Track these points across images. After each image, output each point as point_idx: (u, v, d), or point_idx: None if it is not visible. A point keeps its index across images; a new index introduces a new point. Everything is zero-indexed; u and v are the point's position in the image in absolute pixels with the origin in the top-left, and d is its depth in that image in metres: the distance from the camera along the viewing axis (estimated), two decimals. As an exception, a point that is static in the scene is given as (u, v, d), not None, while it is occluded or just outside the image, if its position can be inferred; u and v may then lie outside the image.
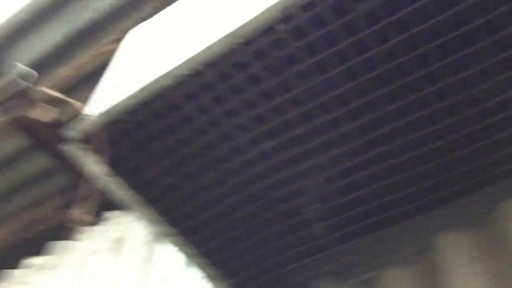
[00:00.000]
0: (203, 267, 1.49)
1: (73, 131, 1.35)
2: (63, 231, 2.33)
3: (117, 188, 1.40)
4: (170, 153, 1.37)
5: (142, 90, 1.28)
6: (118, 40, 2.03)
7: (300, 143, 1.34)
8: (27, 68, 2.44)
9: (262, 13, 1.17)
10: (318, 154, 1.35)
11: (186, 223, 1.45)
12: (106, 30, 2.50)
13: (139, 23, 1.74)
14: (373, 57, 1.19)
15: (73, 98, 2.44)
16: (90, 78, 2.45)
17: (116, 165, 1.37)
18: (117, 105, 1.32)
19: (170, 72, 1.25)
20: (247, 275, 1.52)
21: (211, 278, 1.51)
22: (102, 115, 1.31)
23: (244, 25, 1.19)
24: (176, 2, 1.63)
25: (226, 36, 1.20)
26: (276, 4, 1.15)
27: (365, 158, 1.33)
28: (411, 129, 1.28)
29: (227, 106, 1.30)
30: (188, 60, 1.24)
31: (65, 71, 2.56)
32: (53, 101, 2.49)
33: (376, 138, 1.31)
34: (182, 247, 1.47)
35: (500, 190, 1.37)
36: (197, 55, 1.23)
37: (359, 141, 1.32)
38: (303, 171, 1.37)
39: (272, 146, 1.35)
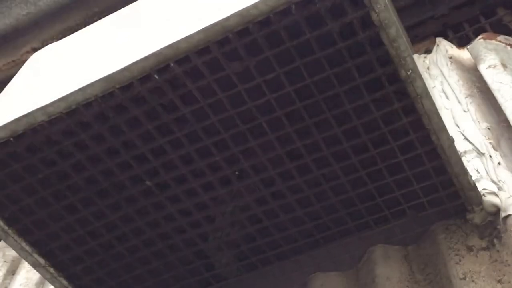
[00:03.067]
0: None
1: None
2: None
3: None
4: (46, 187, 1.34)
5: (15, 122, 1.25)
6: (35, 50, 1.98)
7: (180, 184, 1.36)
8: None
9: (140, 61, 1.16)
10: (198, 195, 1.37)
11: (60, 256, 1.43)
12: (24, 39, 2.42)
13: (60, 35, 1.70)
14: (245, 111, 1.22)
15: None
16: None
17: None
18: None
19: (43, 108, 1.22)
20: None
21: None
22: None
23: (122, 70, 1.18)
24: (92, 25, 1.61)
25: (102, 80, 1.19)
26: (154, 54, 1.15)
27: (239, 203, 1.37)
28: (294, 174, 1.33)
29: (106, 145, 1.29)
30: (63, 99, 1.21)
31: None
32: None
33: (265, 179, 1.35)
34: (53, 279, 1.45)
35: (372, 236, 1.44)
36: (72, 94, 1.21)
37: (237, 185, 1.35)
38: (180, 210, 1.39)
39: (154, 184, 1.36)
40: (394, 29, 1.12)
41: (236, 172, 1.36)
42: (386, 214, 1.40)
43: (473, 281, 1.27)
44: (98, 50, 1.38)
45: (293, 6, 1.08)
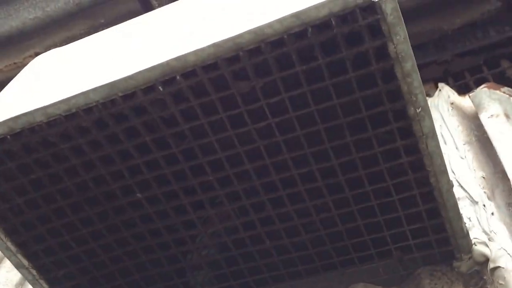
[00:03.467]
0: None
1: None
2: None
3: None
4: (37, 188, 1.33)
5: (14, 120, 1.24)
6: (38, 55, 1.99)
7: (170, 200, 1.35)
8: None
9: (146, 71, 1.16)
10: (186, 212, 1.36)
11: (42, 259, 1.41)
12: (28, 43, 2.44)
13: (64, 43, 1.70)
14: (245, 133, 1.22)
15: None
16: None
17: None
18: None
19: (43, 108, 1.22)
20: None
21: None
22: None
23: (127, 78, 1.18)
24: (98, 33, 1.62)
25: (105, 86, 1.19)
26: (161, 64, 1.15)
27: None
28: (286, 202, 1.32)
29: (102, 153, 1.28)
30: (64, 101, 1.21)
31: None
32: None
33: (255, 204, 1.34)
34: (35, 281, 1.43)
35: (355, 273, 1.42)
36: (73, 97, 1.21)
37: (227, 207, 1.34)
38: (167, 227, 1.38)
39: (145, 197, 1.35)
40: (410, 64, 1.11)
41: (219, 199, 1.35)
42: (372, 253, 1.39)
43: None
44: (103, 57, 1.38)
45: (310, 29, 1.07)
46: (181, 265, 1.44)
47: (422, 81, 2.17)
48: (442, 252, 1.39)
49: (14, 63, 2.43)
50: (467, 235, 1.35)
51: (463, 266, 1.38)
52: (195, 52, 1.13)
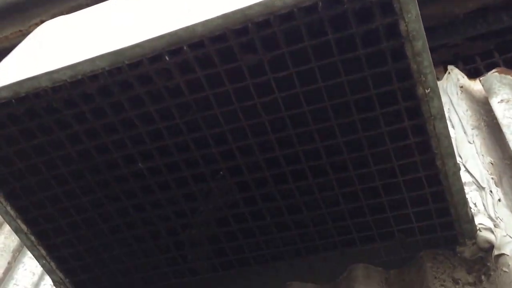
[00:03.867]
0: (51, 272, 1.46)
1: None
2: None
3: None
4: (39, 154, 1.32)
5: (19, 84, 1.23)
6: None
7: (172, 171, 1.33)
8: None
9: (153, 39, 1.15)
10: (188, 185, 1.35)
11: (42, 225, 1.41)
12: (35, 11, 2.42)
13: (72, 11, 1.68)
14: (250, 106, 1.20)
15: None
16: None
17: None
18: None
19: (48, 73, 1.20)
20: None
21: (59, 284, 1.48)
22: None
23: (134, 46, 1.16)
24: (105, 2, 1.59)
25: (112, 53, 1.17)
26: (169, 34, 1.13)
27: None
28: (288, 178, 1.30)
29: (105, 121, 1.27)
30: (70, 67, 1.20)
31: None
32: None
33: (246, 182, 1.32)
34: (33, 247, 1.43)
35: (355, 254, 1.41)
36: (80, 64, 1.19)
37: (229, 181, 1.33)
38: (167, 198, 1.37)
39: (146, 168, 1.34)
40: (421, 43, 1.08)
41: (221, 172, 1.34)
42: (374, 234, 1.38)
43: (455, 315, 1.24)
44: (110, 25, 1.36)
45: (320, 4, 1.05)
46: (180, 238, 1.43)
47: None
48: (446, 236, 1.37)
49: (20, 31, 2.42)
50: (472, 220, 1.34)
51: (467, 251, 1.36)
52: (204, 23, 1.11)
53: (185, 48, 1.14)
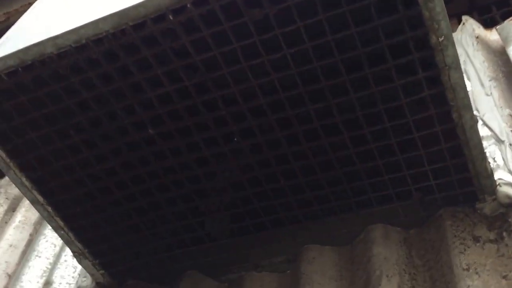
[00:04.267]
0: (70, 242, 1.47)
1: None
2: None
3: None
4: (50, 123, 1.32)
5: (24, 51, 1.22)
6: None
7: (183, 136, 1.32)
8: None
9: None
10: (200, 149, 1.33)
11: (58, 196, 1.41)
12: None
13: None
14: (258, 64, 1.17)
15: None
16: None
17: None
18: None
19: (52, 39, 1.19)
20: (117, 257, 1.51)
21: (78, 254, 1.49)
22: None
23: (136, 6, 1.14)
24: None
25: (115, 15, 1.15)
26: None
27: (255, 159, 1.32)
28: (301, 139, 1.28)
29: (113, 86, 1.26)
30: (73, 31, 1.18)
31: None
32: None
33: (258, 144, 1.30)
34: (50, 218, 1.43)
35: (372, 214, 1.39)
36: (82, 27, 1.17)
37: (241, 143, 1.31)
38: (180, 164, 1.35)
39: (157, 133, 1.33)
40: (432, -13, 1.04)
41: (235, 139, 1.32)
42: (391, 193, 1.34)
43: (476, 273, 1.21)
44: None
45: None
46: (195, 205, 1.42)
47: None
48: (465, 193, 1.33)
49: (29, 3, 2.41)
50: (491, 175, 1.30)
51: (487, 208, 1.32)
52: (206, -22, 1.08)
53: (189, 5, 1.12)
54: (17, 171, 1.39)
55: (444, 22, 1.08)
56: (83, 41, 1.18)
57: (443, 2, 1.06)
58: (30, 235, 1.92)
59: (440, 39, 1.10)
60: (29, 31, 1.31)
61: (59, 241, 1.80)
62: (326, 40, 1.13)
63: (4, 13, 2.43)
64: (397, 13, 1.08)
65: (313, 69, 1.18)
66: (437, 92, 1.18)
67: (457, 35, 1.75)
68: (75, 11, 1.29)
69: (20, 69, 1.24)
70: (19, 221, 1.94)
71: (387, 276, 1.27)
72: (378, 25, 1.10)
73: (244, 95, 1.24)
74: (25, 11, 2.42)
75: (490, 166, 1.29)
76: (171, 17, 1.13)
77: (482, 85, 1.53)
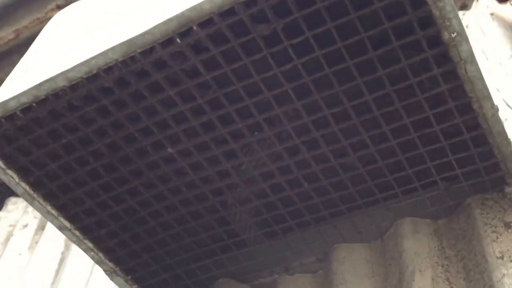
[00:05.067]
0: (101, 262, 1.49)
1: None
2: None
3: (11, 181, 1.36)
4: (69, 152, 1.33)
5: (37, 87, 1.22)
6: (59, 8, 1.94)
7: (204, 151, 1.32)
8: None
9: (162, 24, 1.11)
10: (220, 162, 1.33)
11: (84, 220, 1.43)
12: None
13: None
14: (271, 77, 1.16)
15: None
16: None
17: (10, 159, 1.32)
18: (12, 99, 1.25)
19: (64, 73, 1.19)
20: (148, 272, 1.53)
21: (110, 272, 1.52)
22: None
23: (143, 34, 1.13)
24: None
25: (123, 44, 1.14)
26: (177, 16, 1.09)
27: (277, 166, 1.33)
28: (321, 143, 1.27)
29: (127, 111, 1.25)
30: (84, 63, 1.18)
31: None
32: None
33: (289, 148, 1.30)
34: (79, 242, 1.45)
35: (400, 208, 1.38)
36: (93, 58, 1.17)
37: (261, 153, 1.31)
38: (202, 178, 1.36)
39: (176, 151, 1.33)
40: (440, -14, 1.01)
41: (255, 133, 1.31)
42: (416, 185, 1.34)
43: (511, 261, 1.20)
44: (120, 11, 1.32)
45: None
46: (220, 215, 1.43)
47: (459, -8, 2.02)
48: (492, 178, 1.32)
49: (38, 19, 2.41)
50: (518, 158, 1.28)
51: (517, 192, 1.31)
52: (210, 0, 1.06)
53: (195, 28, 1.10)
54: (41, 200, 1.40)
55: (455, 19, 1.05)
56: (94, 71, 1.18)
57: (452, 1, 1.03)
58: (62, 253, 1.95)
59: (453, 35, 1.07)
60: (39, 65, 1.30)
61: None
62: (336, 47, 1.11)
63: (13, 31, 2.42)
64: (406, 14, 1.06)
65: (325, 75, 1.16)
66: (454, 86, 1.16)
67: (471, 14, 1.70)
68: (82, 42, 1.28)
69: (34, 104, 1.24)
70: (49, 239, 1.98)
71: (420, 270, 1.28)
72: (388, 28, 1.08)
73: (259, 107, 1.23)
74: (34, 26, 2.43)
75: (516, 149, 1.27)
76: (178, 41, 1.12)
77: (501, 64, 1.50)
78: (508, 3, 1.75)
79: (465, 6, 1.87)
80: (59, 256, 1.99)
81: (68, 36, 1.39)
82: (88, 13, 1.47)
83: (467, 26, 1.72)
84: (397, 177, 1.33)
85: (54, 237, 2.01)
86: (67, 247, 2.01)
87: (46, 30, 1.57)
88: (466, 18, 1.74)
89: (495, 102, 1.19)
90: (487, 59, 1.60)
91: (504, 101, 1.47)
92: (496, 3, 1.78)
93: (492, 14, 1.72)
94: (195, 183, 1.37)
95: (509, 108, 1.45)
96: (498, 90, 1.50)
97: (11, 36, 2.43)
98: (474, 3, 1.80)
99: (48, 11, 2.42)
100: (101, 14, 1.40)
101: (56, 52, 1.32)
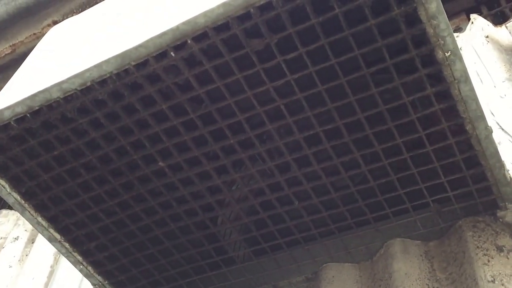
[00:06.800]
0: (89, 275, 1.48)
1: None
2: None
3: (2, 191, 1.35)
4: (61, 164, 1.32)
5: (31, 98, 1.22)
6: (56, 23, 1.96)
7: (195, 166, 1.31)
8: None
9: (156, 37, 1.11)
10: (211, 178, 1.32)
11: (74, 232, 1.42)
12: (46, 12, 2.42)
13: (80, 9, 1.67)
14: (263, 92, 1.16)
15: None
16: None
17: (2, 168, 1.32)
18: (7, 109, 1.26)
19: (58, 84, 1.19)
20: (136, 287, 1.51)
21: (98, 286, 1.50)
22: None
23: (137, 47, 1.13)
24: None
25: (117, 56, 1.15)
26: (171, 29, 1.10)
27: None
28: (312, 161, 1.27)
29: (120, 124, 1.25)
30: (78, 75, 1.18)
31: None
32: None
33: (280, 165, 1.29)
34: (68, 254, 1.44)
35: (391, 229, 1.37)
36: (87, 71, 1.17)
37: (251, 169, 1.30)
38: (192, 193, 1.35)
39: (167, 166, 1.32)
40: (435, 4, 1.01)
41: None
42: (408, 206, 1.33)
43: (502, 285, 1.18)
44: (115, 25, 1.33)
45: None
46: (210, 231, 1.42)
47: (453, 13, 2.04)
48: (484, 202, 1.31)
49: (34, 34, 2.43)
50: (510, 182, 1.27)
51: (509, 215, 1.30)
52: (205, 14, 1.07)
53: (189, 41, 1.11)
54: (32, 211, 1.40)
55: (449, 38, 1.05)
56: (88, 84, 1.18)
57: (446, 18, 1.03)
58: (51, 266, 1.93)
59: (447, 54, 1.07)
60: (34, 76, 1.31)
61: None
62: (329, 64, 1.11)
63: (10, 46, 2.44)
64: (400, 32, 1.06)
65: (318, 92, 1.16)
66: (448, 106, 1.16)
67: (466, 35, 1.71)
68: (78, 52, 1.28)
69: (28, 115, 1.24)
70: (39, 252, 1.96)
71: (410, 292, 1.26)
72: (382, 45, 1.08)
73: (251, 123, 1.23)
74: (30, 41, 2.45)
75: (509, 173, 1.27)
76: (172, 54, 1.13)
77: (495, 86, 1.50)
78: (503, 26, 1.76)
79: (459, 29, 1.88)
80: (48, 269, 1.97)
81: (63, 49, 1.40)
82: (83, 27, 1.48)
83: (461, 48, 1.73)
84: (388, 197, 1.32)
85: (44, 250, 1.99)
86: (56, 261, 1.99)
87: (42, 42, 1.58)
88: (461, 40, 1.74)
89: (489, 125, 1.19)
90: (481, 81, 1.60)
91: (498, 124, 1.46)
92: (491, 25, 1.78)
93: (487, 36, 1.72)
94: (186, 198, 1.36)
95: (503, 131, 1.44)
96: (492, 113, 1.50)
97: (8, 51, 2.45)
98: (469, 25, 1.81)
99: (45, 26, 2.45)
100: (96, 27, 1.41)
101: (51, 64, 1.33)
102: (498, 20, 1.84)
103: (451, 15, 2.03)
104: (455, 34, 1.72)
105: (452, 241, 1.33)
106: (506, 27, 1.67)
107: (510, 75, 1.56)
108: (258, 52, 1.12)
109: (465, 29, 1.78)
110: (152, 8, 1.27)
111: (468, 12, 1.92)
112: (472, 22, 1.76)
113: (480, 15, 1.87)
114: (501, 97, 1.51)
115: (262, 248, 1.43)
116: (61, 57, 1.34)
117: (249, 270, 1.48)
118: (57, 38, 1.52)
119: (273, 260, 1.45)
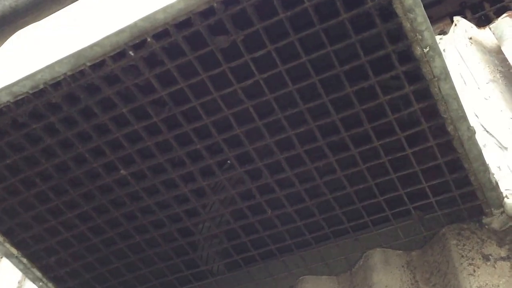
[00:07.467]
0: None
1: None
2: None
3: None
4: (14, 173, 1.23)
5: (-21, 102, 1.13)
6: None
7: (160, 174, 1.22)
8: None
9: (112, 35, 1.03)
10: (177, 186, 1.24)
11: (32, 247, 1.32)
12: (23, 21, 2.36)
13: None
14: (231, 94, 1.07)
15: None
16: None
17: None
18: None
19: (7, 87, 1.10)
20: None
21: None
22: None
23: (92, 46, 1.04)
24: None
25: (71, 56, 1.06)
26: (129, 26, 1.01)
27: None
28: (284, 166, 1.18)
29: (77, 129, 1.16)
30: (29, 77, 1.09)
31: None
32: None
33: (251, 171, 1.21)
34: (26, 270, 1.34)
35: (370, 238, 1.29)
36: (39, 72, 1.08)
37: (221, 177, 1.21)
38: (158, 203, 1.26)
39: (130, 174, 1.23)
40: (411, -4, 0.94)
41: (228, 161, 1.22)
42: (388, 214, 1.25)
43: (489, 296, 1.11)
44: (73, 26, 1.24)
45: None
46: (178, 244, 1.33)
47: (438, 17, 1.99)
48: (469, 208, 1.24)
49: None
50: (496, 186, 1.20)
51: (495, 222, 1.22)
52: (164, 9, 0.99)
53: (148, 39, 1.02)
54: (-15, 225, 1.30)
55: (427, 32, 0.98)
56: (41, 86, 1.09)
57: (424, 11, 0.96)
58: (19, 282, 1.83)
59: (425, 50, 1.00)
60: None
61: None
62: (300, 62, 1.03)
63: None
64: (375, 27, 0.98)
65: (289, 93, 1.08)
66: (427, 105, 1.08)
67: (450, 37, 1.65)
68: (30, 56, 1.19)
69: (-25, 120, 1.14)
70: (7, 268, 1.86)
71: (392, 306, 1.18)
72: (355, 41, 1.00)
73: (218, 126, 1.14)
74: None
75: (494, 177, 1.19)
76: (131, 53, 1.04)
77: (479, 88, 1.43)
78: (486, 28, 1.70)
79: (443, 32, 1.83)
80: (16, 285, 1.87)
81: (17, 52, 1.31)
82: (44, 30, 1.39)
83: (444, 50, 1.67)
84: (367, 205, 1.24)
85: (12, 265, 1.89)
86: (24, 276, 1.89)
87: (2, 47, 1.48)
88: (444, 42, 1.68)
89: (472, 126, 1.12)
90: (465, 83, 1.53)
91: (482, 126, 1.39)
92: (474, 27, 1.73)
93: (470, 38, 1.66)
94: (151, 208, 1.27)
95: (488, 134, 1.37)
96: (477, 115, 1.43)
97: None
98: (452, 27, 1.76)
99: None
100: (55, 29, 1.32)
101: (3, 68, 1.23)
102: (482, 23, 1.79)
103: (435, 20, 2.00)
104: (438, 37, 1.66)
105: (436, 251, 1.25)
106: (490, 28, 1.61)
107: (494, 76, 1.50)
108: (223, 50, 1.03)
109: (448, 31, 1.73)
110: (111, 7, 1.18)
111: (452, 16, 1.87)
112: (456, 24, 1.70)
113: (464, 18, 1.82)
114: (485, 98, 1.44)
115: (234, 260, 1.34)
116: (13, 60, 1.25)
117: (221, 284, 1.39)
118: (16, 42, 1.43)
119: (246, 274, 1.36)
